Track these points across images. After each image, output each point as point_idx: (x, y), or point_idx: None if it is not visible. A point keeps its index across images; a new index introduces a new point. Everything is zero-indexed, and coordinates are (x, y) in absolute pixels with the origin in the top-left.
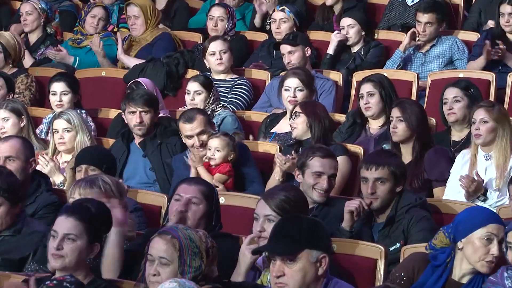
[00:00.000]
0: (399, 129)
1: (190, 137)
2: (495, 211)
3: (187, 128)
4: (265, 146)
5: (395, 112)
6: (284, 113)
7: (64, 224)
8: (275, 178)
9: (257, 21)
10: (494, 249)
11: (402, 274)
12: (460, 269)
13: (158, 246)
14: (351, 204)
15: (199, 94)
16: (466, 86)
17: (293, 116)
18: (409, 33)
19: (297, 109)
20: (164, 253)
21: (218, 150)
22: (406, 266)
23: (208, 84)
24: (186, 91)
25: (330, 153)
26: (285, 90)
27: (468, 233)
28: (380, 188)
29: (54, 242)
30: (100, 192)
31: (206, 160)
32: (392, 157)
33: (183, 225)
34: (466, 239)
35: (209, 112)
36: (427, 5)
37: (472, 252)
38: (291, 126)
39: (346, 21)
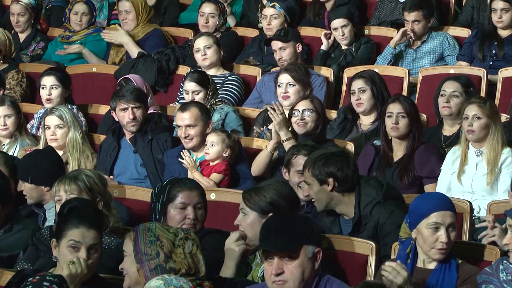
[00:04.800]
0: (402, 124)
1: (179, 127)
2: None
3: (179, 117)
4: (257, 143)
5: (395, 108)
6: None
7: (88, 236)
8: (265, 152)
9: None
10: (442, 236)
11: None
12: (423, 255)
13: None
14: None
15: (198, 93)
16: (467, 83)
17: (306, 112)
18: (401, 30)
19: (309, 105)
20: (124, 246)
21: (213, 145)
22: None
23: (204, 81)
24: (184, 90)
25: (314, 150)
26: (278, 86)
27: (416, 224)
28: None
29: (80, 253)
30: (85, 187)
31: (205, 157)
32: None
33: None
34: (416, 230)
35: (208, 106)
36: (412, 4)
37: (423, 242)
38: (300, 120)
39: (339, 22)
